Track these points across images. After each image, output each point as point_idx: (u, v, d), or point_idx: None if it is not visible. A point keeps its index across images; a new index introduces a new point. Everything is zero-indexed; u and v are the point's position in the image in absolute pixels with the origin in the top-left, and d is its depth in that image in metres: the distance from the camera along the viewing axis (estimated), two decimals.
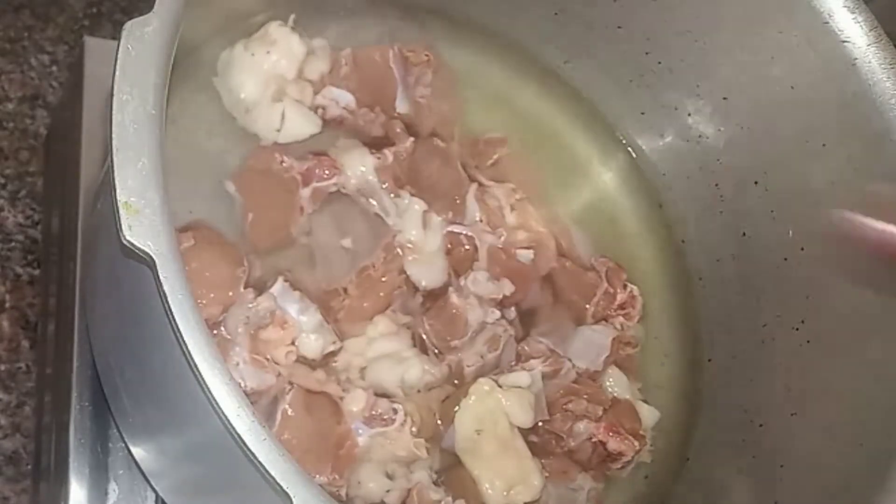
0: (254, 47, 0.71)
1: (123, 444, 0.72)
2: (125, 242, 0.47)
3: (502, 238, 0.76)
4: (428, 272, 0.73)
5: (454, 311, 0.72)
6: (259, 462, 0.47)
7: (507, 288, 0.74)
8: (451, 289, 0.73)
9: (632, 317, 0.80)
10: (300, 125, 0.72)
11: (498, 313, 0.74)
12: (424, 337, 0.72)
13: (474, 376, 0.72)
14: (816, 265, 0.74)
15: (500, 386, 0.71)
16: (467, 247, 0.75)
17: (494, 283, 0.74)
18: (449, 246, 0.74)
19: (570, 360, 0.76)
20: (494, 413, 0.70)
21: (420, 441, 0.68)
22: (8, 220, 0.96)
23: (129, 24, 0.50)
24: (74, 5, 1.05)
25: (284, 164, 0.71)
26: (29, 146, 0.99)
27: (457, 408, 0.70)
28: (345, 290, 0.70)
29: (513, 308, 0.76)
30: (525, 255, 0.77)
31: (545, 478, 0.72)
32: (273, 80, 0.72)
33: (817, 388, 0.73)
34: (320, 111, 0.74)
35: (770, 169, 0.76)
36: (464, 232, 0.74)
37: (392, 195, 0.73)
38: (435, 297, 0.73)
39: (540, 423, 0.74)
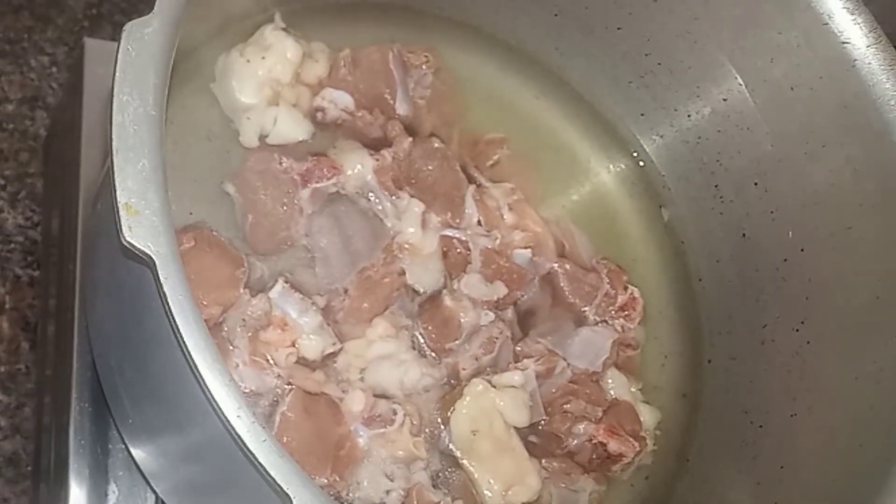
0: (249, 53, 0.71)
1: (123, 446, 0.72)
2: (125, 243, 0.47)
3: (497, 240, 0.76)
4: (425, 275, 0.73)
5: (447, 313, 0.72)
6: (259, 463, 0.47)
7: (500, 290, 0.75)
8: (444, 291, 0.73)
9: (632, 318, 0.80)
10: (290, 130, 0.72)
11: (492, 315, 0.74)
12: (421, 339, 0.72)
13: (471, 377, 0.72)
14: (816, 266, 0.74)
15: (493, 386, 0.71)
16: (460, 250, 0.75)
17: (487, 285, 0.74)
18: (443, 249, 0.74)
19: (566, 360, 0.76)
20: (489, 413, 0.71)
21: (419, 441, 0.68)
22: (8, 222, 0.96)
23: (129, 26, 0.50)
24: (74, 7, 1.05)
25: (284, 166, 0.71)
26: (29, 147, 0.99)
27: (452, 409, 0.70)
28: (345, 290, 0.70)
29: (511, 309, 0.76)
30: (522, 254, 0.77)
31: (546, 479, 0.72)
32: (268, 84, 0.72)
33: (817, 389, 0.73)
34: (319, 113, 0.74)
35: (770, 169, 0.76)
36: (457, 236, 0.74)
37: (391, 196, 0.73)
38: (432, 299, 0.73)
39: (541, 425, 0.74)
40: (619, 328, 0.79)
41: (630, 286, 0.81)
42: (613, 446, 0.74)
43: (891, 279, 0.69)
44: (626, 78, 0.84)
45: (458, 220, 0.75)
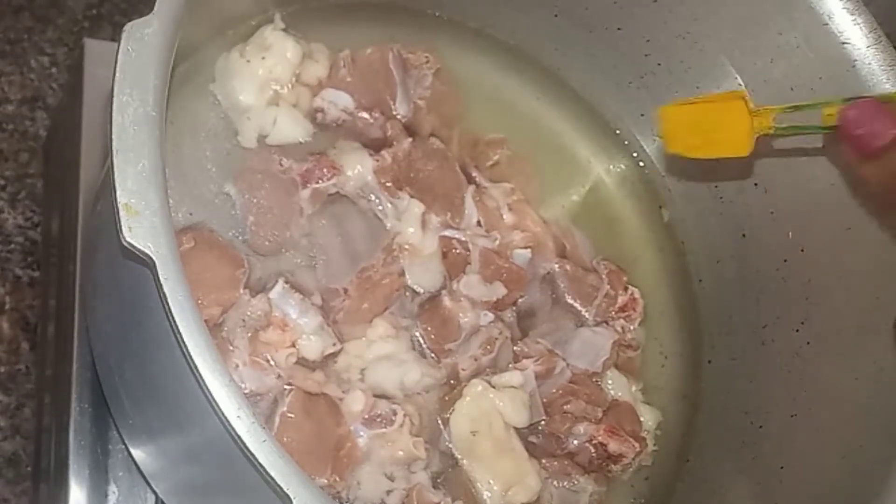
0: (249, 53, 0.71)
1: (123, 446, 0.72)
2: (125, 244, 0.47)
3: (497, 241, 0.76)
4: (425, 275, 0.73)
5: (447, 314, 0.72)
6: (259, 464, 0.47)
7: (500, 291, 0.75)
8: (443, 292, 0.73)
9: (632, 319, 0.80)
10: (290, 131, 0.72)
11: (492, 315, 0.74)
12: (420, 340, 0.72)
13: (470, 378, 0.72)
14: (816, 266, 0.74)
15: (493, 386, 0.71)
16: (460, 250, 0.75)
17: (487, 285, 0.74)
18: (443, 250, 0.74)
19: (565, 360, 0.76)
20: (489, 414, 0.71)
21: (419, 441, 0.68)
22: (8, 222, 0.96)
23: (129, 26, 0.50)
24: (74, 7, 1.05)
25: (284, 166, 0.71)
26: (29, 148, 0.99)
27: (452, 409, 0.70)
28: (345, 290, 0.70)
29: (510, 309, 0.76)
30: (522, 255, 0.77)
31: (546, 479, 0.72)
32: (268, 84, 0.72)
33: (817, 389, 0.73)
34: (319, 113, 0.74)
35: (770, 169, 0.76)
36: (457, 236, 0.74)
37: (391, 197, 0.73)
38: (432, 300, 0.73)
39: (541, 426, 0.74)
40: (619, 329, 0.79)
41: (630, 286, 0.81)
42: (614, 447, 0.74)
43: (891, 279, 0.69)
44: (626, 78, 0.84)
45: (457, 221, 0.75)
